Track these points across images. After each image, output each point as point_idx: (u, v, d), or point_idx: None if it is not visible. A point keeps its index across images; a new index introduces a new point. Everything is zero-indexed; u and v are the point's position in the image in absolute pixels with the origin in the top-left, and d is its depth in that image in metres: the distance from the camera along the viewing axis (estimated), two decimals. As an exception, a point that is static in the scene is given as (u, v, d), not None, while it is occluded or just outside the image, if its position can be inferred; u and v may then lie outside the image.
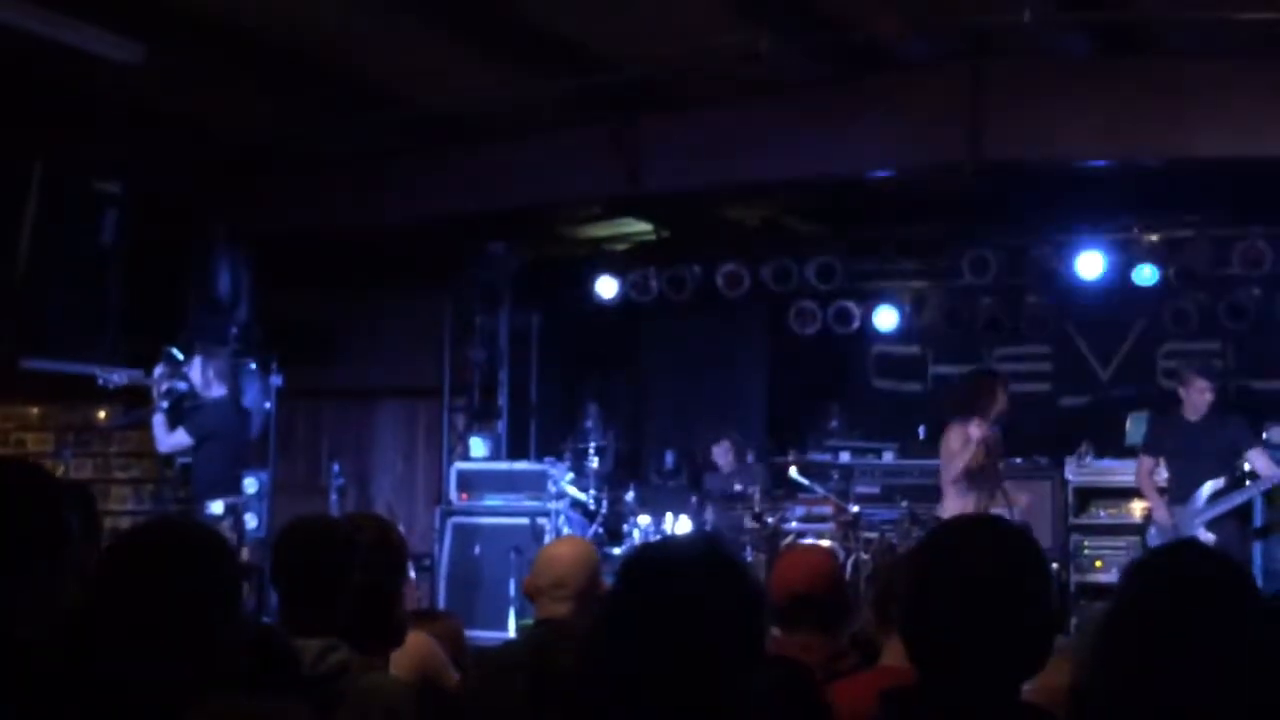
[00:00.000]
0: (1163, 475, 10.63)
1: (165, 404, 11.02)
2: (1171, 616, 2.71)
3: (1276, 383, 12.28)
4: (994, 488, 10.27)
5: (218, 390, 11.07)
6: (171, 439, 10.98)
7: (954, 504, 10.17)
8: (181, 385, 11.34)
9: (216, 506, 10.59)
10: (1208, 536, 9.80)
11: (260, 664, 3.34)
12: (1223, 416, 10.57)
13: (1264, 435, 11.17)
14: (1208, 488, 10.19)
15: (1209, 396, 10.40)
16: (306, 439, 14.43)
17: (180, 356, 11.99)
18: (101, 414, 14.73)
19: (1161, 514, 10.32)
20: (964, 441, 10.25)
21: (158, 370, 11.07)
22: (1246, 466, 10.36)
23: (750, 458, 13.21)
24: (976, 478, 10.32)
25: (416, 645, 4.90)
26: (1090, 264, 12.49)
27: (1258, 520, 10.98)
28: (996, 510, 10.15)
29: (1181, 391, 10.57)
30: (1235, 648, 2.44)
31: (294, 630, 3.90)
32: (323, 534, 4.24)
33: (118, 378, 10.96)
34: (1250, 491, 10.27)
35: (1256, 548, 10.94)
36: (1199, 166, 11.07)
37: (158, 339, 11.98)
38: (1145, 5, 9.66)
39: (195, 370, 11.12)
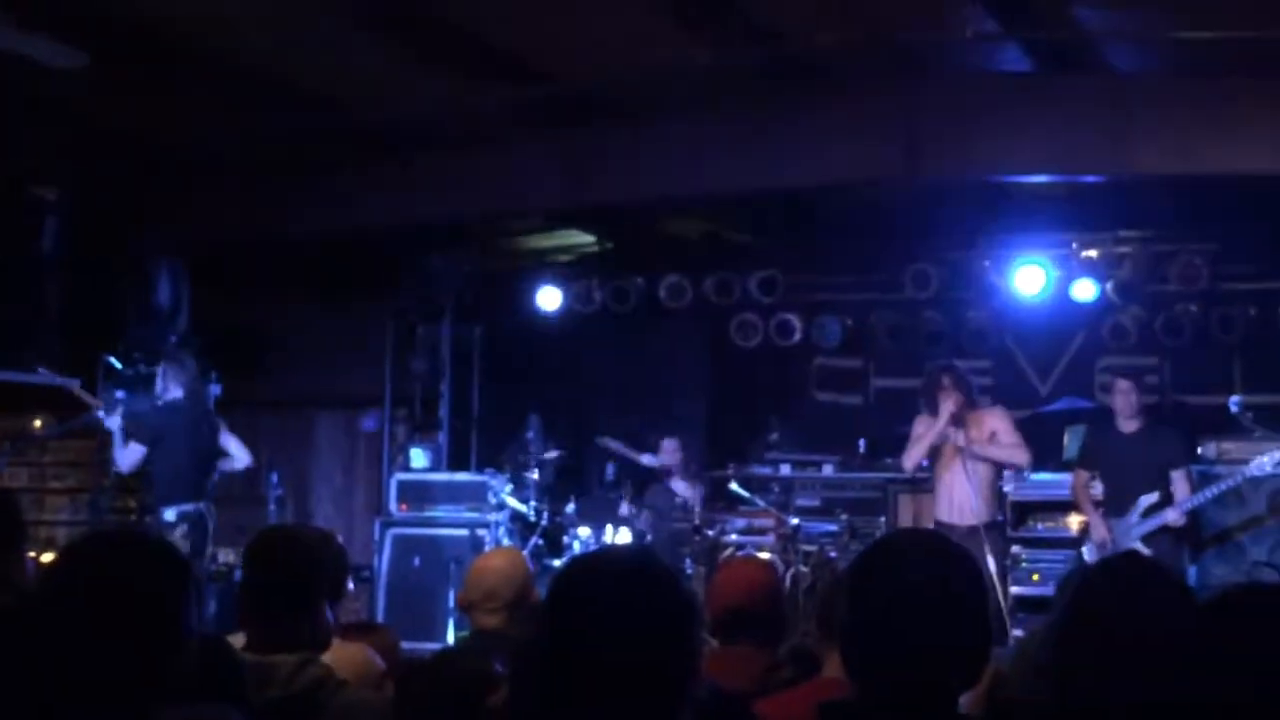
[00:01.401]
0: (1098, 488, 10.68)
1: (117, 421, 10.77)
2: (1118, 627, 2.73)
3: (1212, 398, 12.36)
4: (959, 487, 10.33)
5: (173, 394, 10.84)
6: (127, 455, 10.67)
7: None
8: (120, 394, 11.31)
9: (169, 514, 10.42)
10: (1143, 550, 9.84)
11: (207, 675, 3.31)
12: (1158, 429, 10.62)
13: (1199, 450, 11.26)
14: (1143, 502, 10.21)
15: (1133, 398, 10.43)
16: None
17: (119, 365, 11.92)
18: (37, 422, 14.59)
19: (1099, 528, 10.37)
20: (917, 434, 10.53)
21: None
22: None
23: (692, 469, 13.21)
24: (940, 475, 10.52)
25: (355, 656, 4.88)
26: (1030, 279, 12.57)
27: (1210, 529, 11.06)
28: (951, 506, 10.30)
29: (1111, 400, 10.66)
30: (1181, 653, 2.46)
31: (266, 645, 3.88)
32: (294, 547, 4.22)
33: (108, 419, 10.86)
34: (1160, 519, 10.18)
35: (1192, 568, 10.98)
36: (1137, 183, 11.18)
37: (95, 347, 11.91)
38: (1084, 23, 9.73)
39: (159, 379, 10.94)
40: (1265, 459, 10.25)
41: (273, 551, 4.22)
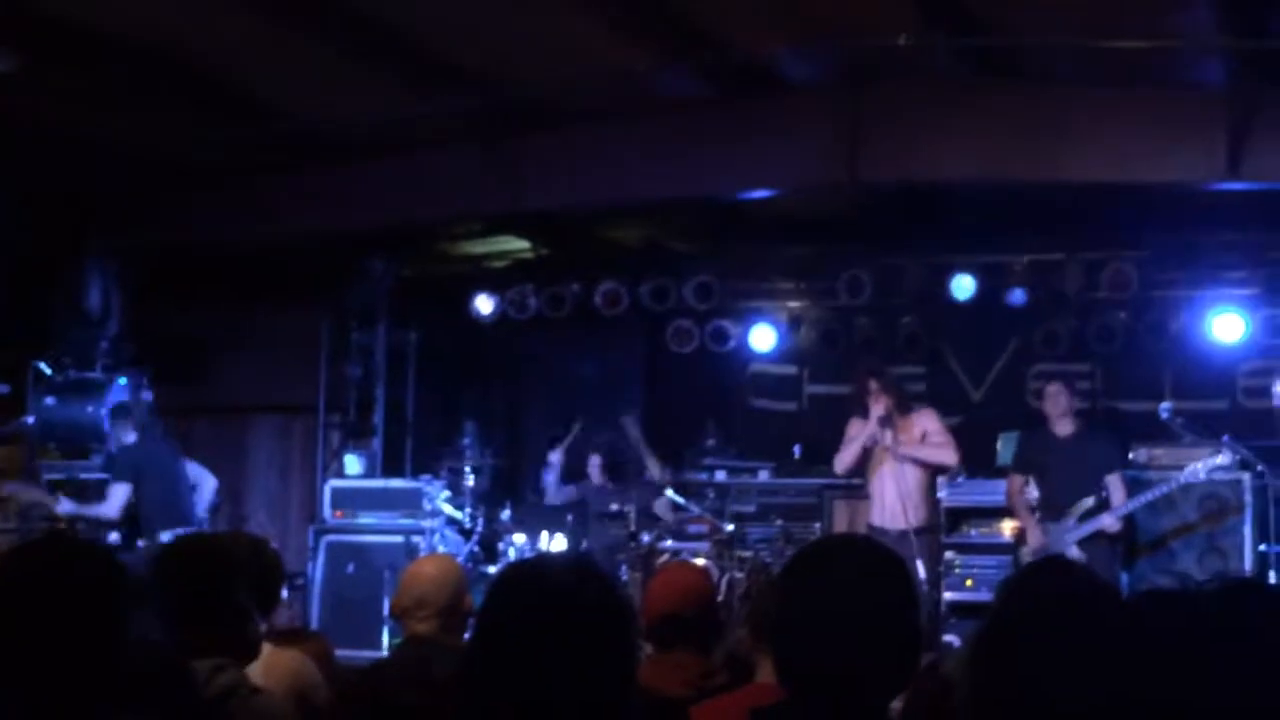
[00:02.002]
0: (1033, 493, 10.74)
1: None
2: (1047, 631, 2.76)
3: (1143, 404, 12.49)
4: (889, 491, 10.40)
5: (128, 438, 11.23)
6: (115, 497, 10.99)
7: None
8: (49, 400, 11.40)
9: (165, 536, 10.49)
10: (1078, 555, 9.89)
11: (151, 684, 3.29)
12: (1092, 434, 10.71)
13: (1130, 455, 11.35)
14: (1077, 507, 10.28)
15: (1062, 400, 10.50)
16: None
17: (49, 371, 11.81)
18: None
19: (1035, 533, 10.43)
20: (849, 436, 10.61)
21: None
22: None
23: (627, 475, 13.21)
24: (871, 479, 10.63)
25: (290, 663, 4.87)
26: (963, 286, 12.66)
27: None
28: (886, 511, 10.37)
29: (1041, 405, 10.73)
30: (1112, 656, 2.48)
31: (180, 651, 3.85)
32: (207, 553, 4.19)
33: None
34: (1096, 523, 10.25)
35: (1124, 574, 11.06)
36: (1070, 191, 11.27)
37: (25, 352, 11.80)
38: (1020, 32, 9.80)
39: (111, 433, 11.46)
40: (1199, 465, 10.35)
41: (184, 559, 4.19)
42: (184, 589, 4.06)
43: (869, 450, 10.56)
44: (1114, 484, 10.41)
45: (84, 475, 12.09)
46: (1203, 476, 10.44)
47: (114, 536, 11.01)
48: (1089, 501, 10.29)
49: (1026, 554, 10.42)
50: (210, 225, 12.75)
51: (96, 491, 11.54)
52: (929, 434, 10.62)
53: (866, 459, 10.64)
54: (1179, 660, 1.89)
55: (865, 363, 11.35)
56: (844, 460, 10.73)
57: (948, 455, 10.67)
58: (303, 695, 4.82)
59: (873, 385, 10.55)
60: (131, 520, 11.03)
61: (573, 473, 13.03)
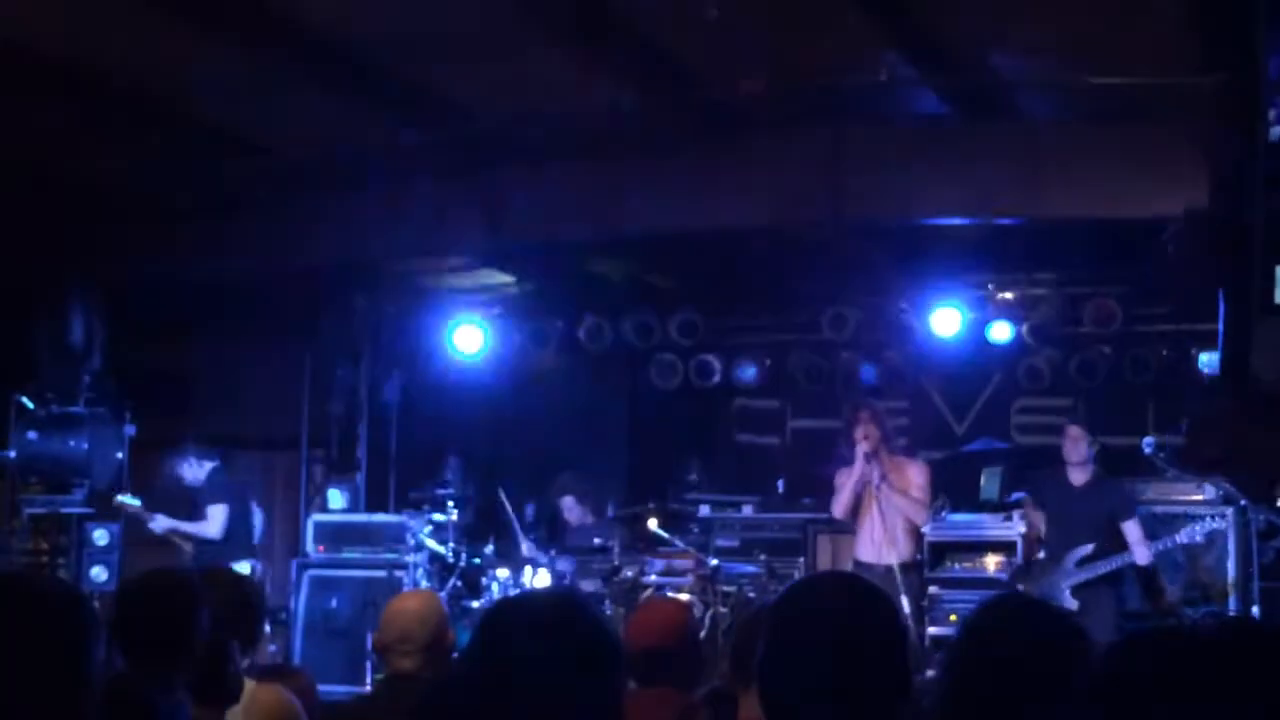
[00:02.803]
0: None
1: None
2: (1005, 667, 2.76)
3: (1126, 439, 12.47)
4: (876, 526, 10.44)
5: (209, 463, 12.00)
6: (216, 517, 11.79)
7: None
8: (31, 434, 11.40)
9: (244, 567, 11.03)
10: (1071, 603, 9.89)
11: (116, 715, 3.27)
12: (1104, 484, 10.59)
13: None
14: (1077, 553, 10.24)
15: (1081, 445, 10.40)
16: (160, 490, 14.16)
17: (30, 405, 11.77)
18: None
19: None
20: (839, 483, 10.71)
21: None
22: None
23: (610, 511, 13.19)
24: (859, 515, 10.69)
25: (275, 700, 4.84)
26: (946, 321, 12.67)
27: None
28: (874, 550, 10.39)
29: (1063, 446, 10.54)
30: (1067, 691, 2.48)
31: (140, 686, 3.82)
32: (168, 589, 4.15)
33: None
34: (1117, 562, 10.21)
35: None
36: (1052, 227, 11.32)
37: (6, 386, 11.77)
38: (999, 70, 9.85)
39: (183, 469, 11.92)
40: (1196, 528, 10.30)
41: (144, 596, 4.16)
42: (144, 626, 4.02)
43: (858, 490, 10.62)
44: (1131, 528, 10.28)
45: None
46: (1199, 540, 10.42)
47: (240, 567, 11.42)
48: (1088, 549, 10.23)
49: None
50: (194, 259, 12.73)
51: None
52: (915, 488, 10.70)
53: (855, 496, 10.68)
54: (1163, 699, 1.88)
55: (853, 398, 11.38)
56: (840, 505, 10.80)
57: (919, 515, 10.80)
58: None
59: (861, 417, 10.58)
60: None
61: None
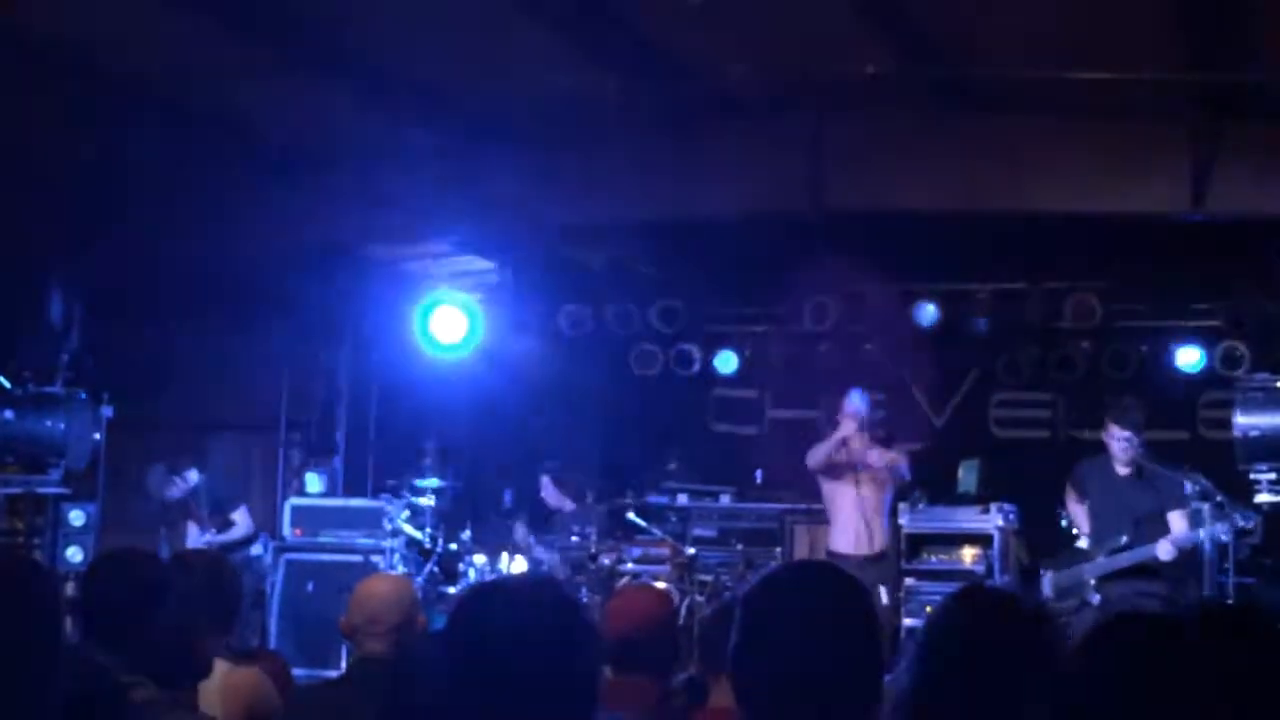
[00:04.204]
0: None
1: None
2: (970, 657, 2.78)
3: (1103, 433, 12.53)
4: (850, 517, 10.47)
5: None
6: (245, 517, 12.15)
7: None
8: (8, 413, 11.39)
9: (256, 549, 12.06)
10: (1093, 594, 9.82)
11: (83, 703, 3.26)
12: (1152, 471, 10.15)
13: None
14: (1109, 544, 10.01)
15: (1127, 447, 10.01)
16: (136, 472, 14.12)
17: (8, 384, 11.72)
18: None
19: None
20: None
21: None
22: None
23: (589, 499, 13.20)
24: (832, 475, 10.75)
25: (247, 681, 4.84)
26: (926, 313, 12.69)
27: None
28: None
29: (1105, 439, 10.21)
30: (1033, 682, 2.49)
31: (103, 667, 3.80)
32: (135, 569, 4.14)
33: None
34: (1144, 551, 9.89)
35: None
36: (1033, 221, 11.33)
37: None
38: (983, 63, 9.86)
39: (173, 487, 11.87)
40: (1201, 531, 9.93)
41: (105, 574, 4.14)
42: (105, 607, 4.00)
43: (833, 469, 10.60)
44: (1177, 518, 9.95)
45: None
46: (1224, 538, 10.06)
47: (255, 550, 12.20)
48: (1122, 539, 9.97)
49: (1046, 584, 10.27)
50: (172, 241, 12.68)
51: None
52: (896, 464, 10.76)
53: (830, 483, 10.68)
54: (1136, 679, 1.89)
55: (831, 391, 11.44)
56: (816, 455, 10.83)
57: (901, 462, 10.88)
58: (257, 713, 4.79)
59: (853, 399, 10.65)
60: None
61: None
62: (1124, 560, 10.00)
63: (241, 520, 11.93)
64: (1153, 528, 10.00)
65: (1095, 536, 10.29)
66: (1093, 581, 10.01)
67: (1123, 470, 10.16)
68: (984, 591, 3.05)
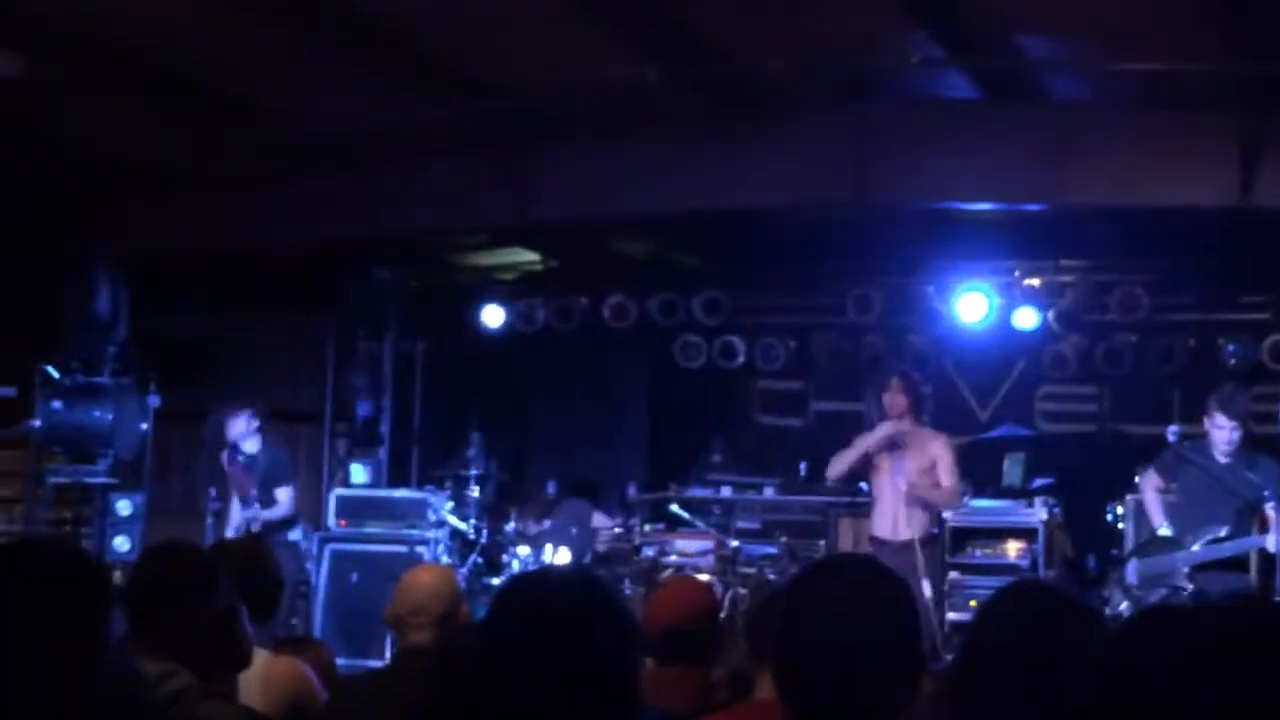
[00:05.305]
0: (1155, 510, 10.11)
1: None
2: (1017, 653, 2.76)
3: (1150, 427, 12.44)
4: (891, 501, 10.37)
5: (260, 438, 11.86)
6: (289, 497, 11.76)
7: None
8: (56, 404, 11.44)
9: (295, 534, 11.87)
10: (1186, 583, 9.40)
11: (109, 687, 3.26)
12: (1252, 459, 9.70)
13: (1136, 478, 11.21)
14: (1206, 534, 9.55)
15: (1228, 434, 9.53)
16: (183, 461, 14.21)
17: (56, 375, 11.80)
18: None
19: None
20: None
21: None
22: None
23: (632, 492, 13.23)
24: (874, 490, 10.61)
25: (288, 671, 4.85)
26: (972, 305, 12.65)
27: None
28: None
29: (1208, 427, 9.71)
30: (1081, 679, 2.47)
31: (137, 654, 3.82)
32: (183, 559, 4.15)
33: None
34: (1250, 542, 9.50)
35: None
36: (1079, 213, 11.28)
37: (32, 356, 11.80)
38: (1027, 53, 9.81)
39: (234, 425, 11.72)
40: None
41: (153, 563, 4.15)
42: (146, 594, 4.01)
43: (871, 458, 10.50)
44: (1275, 510, 9.42)
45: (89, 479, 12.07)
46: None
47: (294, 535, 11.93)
48: (1220, 530, 9.52)
49: (1131, 573, 9.96)
50: (220, 231, 12.74)
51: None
52: (939, 463, 10.51)
53: (869, 467, 10.58)
54: (1176, 680, 1.87)
55: (878, 382, 11.31)
56: (836, 466, 10.66)
57: (947, 498, 10.59)
58: (299, 703, 4.81)
59: (892, 384, 10.48)
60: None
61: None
62: (1227, 550, 9.54)
63: (285, 499, 11.68)
64: (1250, 520, 9.62)
65: (1185, 525, 9.79)
66: (1186, 570, 9.55)
67: (1224, 459, 9.67)
68: (1033, 584, 3.03)
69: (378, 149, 11.75)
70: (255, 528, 11.30)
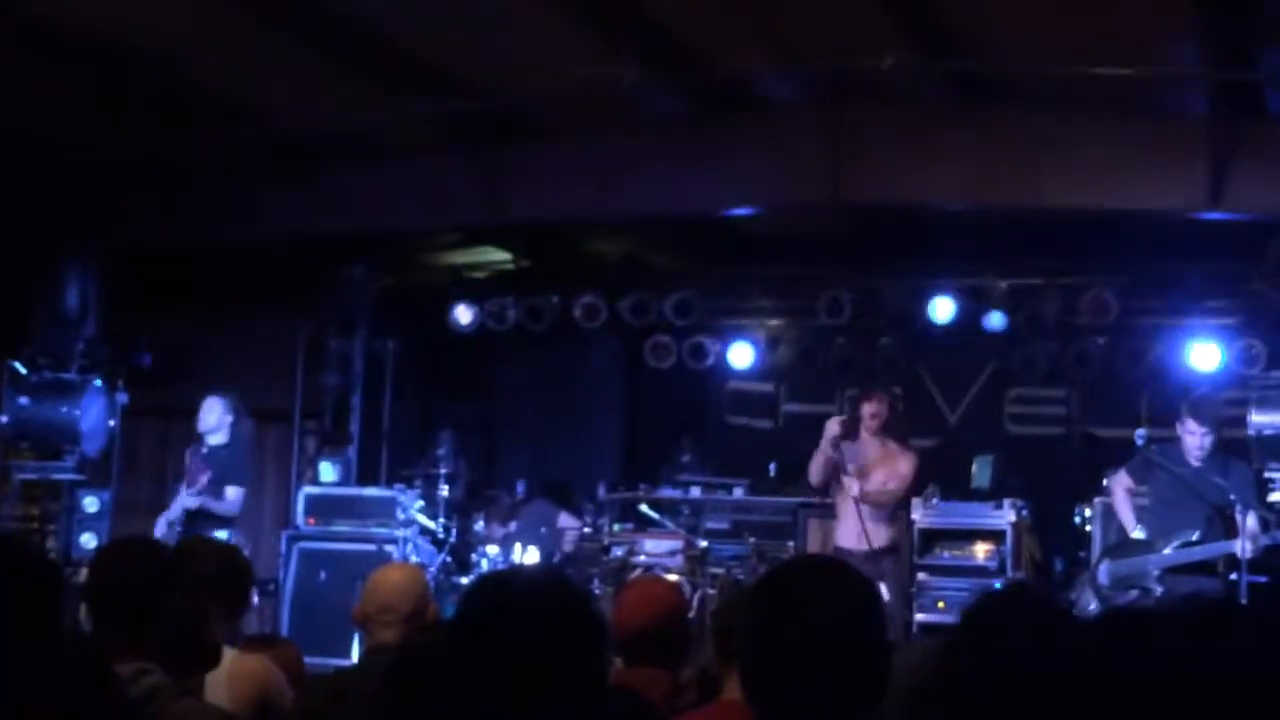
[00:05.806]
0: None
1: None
2: (999, 654, 2.76)
3: (1119, 430, 12.49)
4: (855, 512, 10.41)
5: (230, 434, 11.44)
6: (238, 498, 11.19)
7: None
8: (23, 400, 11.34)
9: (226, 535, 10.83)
10: (1156, 585, 9.54)
11: (76, 684, 3.24)
12: (1225, 464, 9.80)
13: (1104, 481, 11.26)
14: (1178, 537, 9.66)
15: (1200, 440, 9.65)
16: (151, 459, 14.15)
17: (23, 370, 11.75)
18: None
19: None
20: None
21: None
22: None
23: (601, 492, 13.23)
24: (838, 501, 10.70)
25: (256, 669, 4.83)
26: (942, 308, 12.68)
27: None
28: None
29: (1180, 433, 9.83)
30: (1055, 680, 2.48)
31: (106, 653, 3.80)
32: (142, 556, 4.13)
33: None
34: (1220, 547, 9.59)
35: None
36: (1050, 216, 11.32)
37: (0, 352, 11.74)
38: (1002, 57, 9.84)
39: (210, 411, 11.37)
40: (1248, 543, 9.75)
41: (113, 560, 4.13)
42: (113, 592, 3.99)
43: (837, 473, 10.56)
44: (1250, 518, 9.47)
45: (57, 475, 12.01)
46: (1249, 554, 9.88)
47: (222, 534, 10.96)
48: (1194, 534, 9.63)
49: (1103, 573, 10.01)
50: (189, 228, 12.70)
51: None
52: (900, 477, 10.66)
53: (836, 481, 10.64)
54: (1142, 684, 1.88)
55: (848, 386, 11.35)
56: (813, 473, 10.73)
57: (880, 497, 10.64)
58: (266, 702, 4.79)
59: (874, 395, 10.63)
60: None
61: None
62: (1198, 554, 9.65)
63: (234, 498, 11.14)
64: (1222, 524, 9.70)
65: (1158, 527, 9.90)
66: (1157, 573, 9.68)
67: (1196, 463, 9.76)
68: (1024, 590, 3.05)
69: (352, 146, 11.72)
70: (192, 506, 10.90)
